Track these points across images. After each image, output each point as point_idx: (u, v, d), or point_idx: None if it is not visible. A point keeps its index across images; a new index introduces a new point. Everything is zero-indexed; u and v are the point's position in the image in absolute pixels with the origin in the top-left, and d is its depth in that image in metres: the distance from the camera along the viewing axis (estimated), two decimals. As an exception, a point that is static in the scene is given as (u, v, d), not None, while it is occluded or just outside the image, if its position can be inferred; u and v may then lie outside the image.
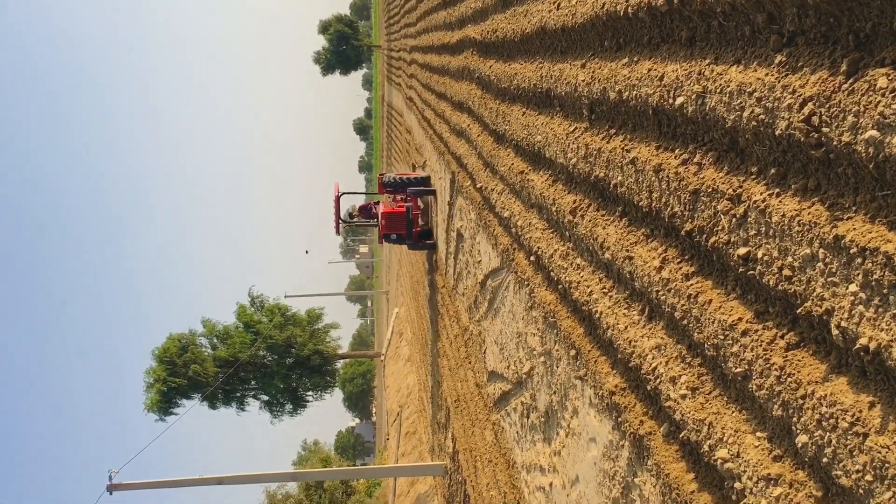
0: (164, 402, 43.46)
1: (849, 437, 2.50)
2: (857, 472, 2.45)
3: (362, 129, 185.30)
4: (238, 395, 46.82)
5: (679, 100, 3.76)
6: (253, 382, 46.58)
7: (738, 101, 3.16)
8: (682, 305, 3.86)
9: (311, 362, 46.63)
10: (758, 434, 3.20)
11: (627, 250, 4.66)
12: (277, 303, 48.86)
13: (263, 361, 46.00)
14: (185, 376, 43.36)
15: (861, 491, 2.44)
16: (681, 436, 3.89)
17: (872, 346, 2.35)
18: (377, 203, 21.91)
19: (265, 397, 47.85)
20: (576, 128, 5.71)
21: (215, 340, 46.49)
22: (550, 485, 6.92)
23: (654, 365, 4.24)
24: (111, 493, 14.73)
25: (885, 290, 2.31)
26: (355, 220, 22.53)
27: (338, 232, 22.78)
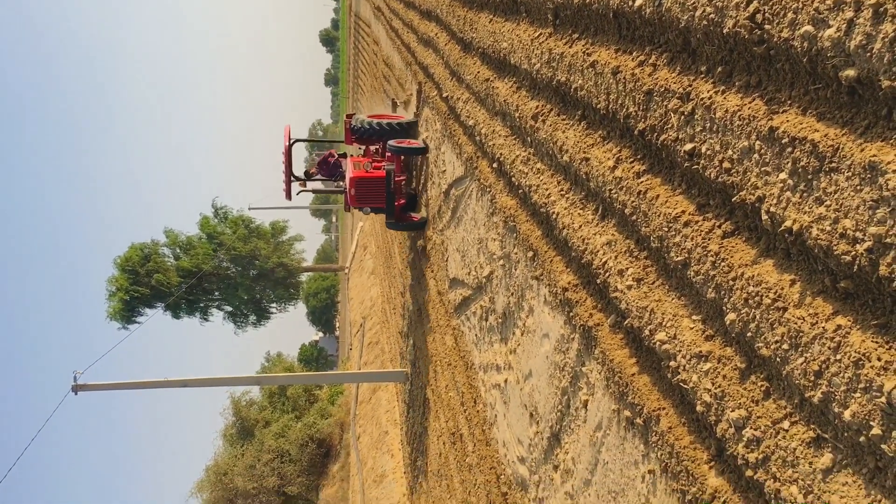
0: (127, 311, 43.55)
1: (771, 312, 2.75)
2: (776, 342, 2.71)
3: (329, 40, 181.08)
4: (202, 305, 47.05)
5: (638, 2, 3.88)
6: (216, 293, 46.77)
7: (692, 1, 3.30)
8: (632, 202, 4.07)
9: (274, 274, 46.84)
10: (693, 317, 3.46)
11: (584, 152, 4.84)
12: (241, 215, 48.68)
13: (227, 273, 46.08)
14: (147, 286, 43.36)
15: (778, 359, 2.71)
16: (625, 324, 4.16)
17: (795, 227, 2.58)
18: (344, 156, 16.56)
19: (229, 308, 48.16)
20: (540, 33, 5.80)
21: (178, 251, 46.38)
22: (505, 381, 7.26)
23: (604, 260, 4.48)
24: (76, 394, 14.96)
25: (809, 176, 2.52)
26: (314, 178, 16.79)
27: (288, 196, 16.62)
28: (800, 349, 2.57)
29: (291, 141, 16.02)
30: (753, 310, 2.86)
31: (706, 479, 3.29)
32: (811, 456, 2.55)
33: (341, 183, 15.86)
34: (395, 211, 13.45)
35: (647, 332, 3.85)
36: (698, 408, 3.32)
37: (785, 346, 2.65)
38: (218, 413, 37.87)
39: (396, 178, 13.65)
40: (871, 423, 2.21)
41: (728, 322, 3.06)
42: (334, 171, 16.36)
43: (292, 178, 16.27)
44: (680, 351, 3.48)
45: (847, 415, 2.31)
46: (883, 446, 2.18)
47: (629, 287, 4.10)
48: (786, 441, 2.68)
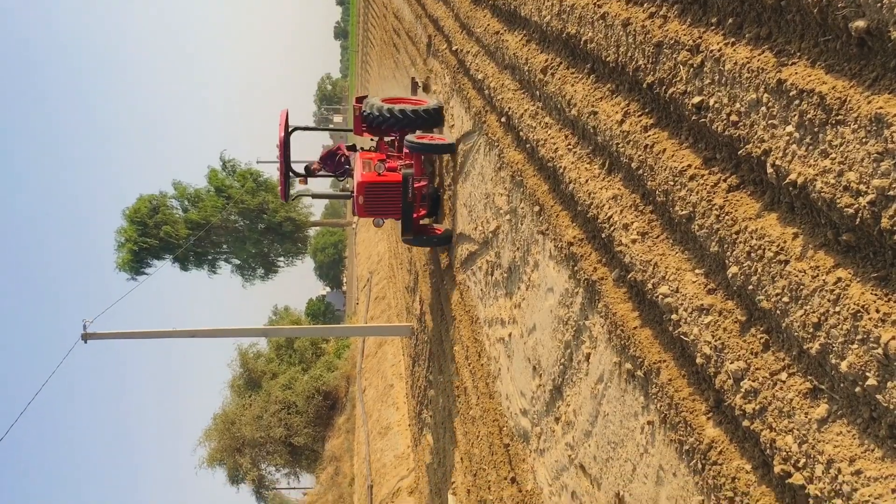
0: (136, 262, 43.83)
1: (772, 265, 2.76)
2: (777, 295, 2.73)
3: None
4: (210, 257, 47.29)
5: (650, -48, 3.83)
6: (225, 246, 46.97)
7: (704, -49, 3.26)
8: (639, 156, 4.06)
9: (282, 228, 46.97)
10: (696, 271, 3.48)
11: (593, 106, 4.82)
12: (249, 168, 48.64)
13: (235, 226, 46.24)
14: (156, 237, 43.56)
15: (778, 312, 2.73)
16: (629, 278, 4.18)
17: (800, 180, 2.58)
18: (353, 148, 13.80)
19: (237, 261, 48.40)
20: (551, -15, 5.73)
21: (186, 203, 46.48)
22: (510, 335, 7.32)
23: (609, 214, 4.48)
24: (86, 342, 15.12)
25: (815, 129, 2.51)
26: (317, 174, 13.98)
27: (284, 197, 14.30)
28: (800, 302, 2.59)
29: (290, 129, 13.06)
30: (755, 263, 2.87)
31: (704, 430, 3.34)
32: (807, 407, 2.58)
33: (348, 186, 13.45)
34: (414, 224, 11.25)
35: (650, 286, 3.87)
36: (698, 360, 3.35)
37: (785, 299, 2.67)
38: (226, 364, 38.26)
39: (416, 184, 11.18)
40: (867, 374, 2.24)
41: (730, 275, 3.08)
42: (341, 167, 13.68)
43: (290, 175, 13.44)
44: (682, 304, 3.50)
45: (844, 366, 2.34)
46: (878, 397, 2.20)
47: (634, 241, 4.11)
48: (783, 392, 2.72)
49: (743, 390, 2.96)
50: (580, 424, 5.19)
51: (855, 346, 2.29)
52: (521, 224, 6.82)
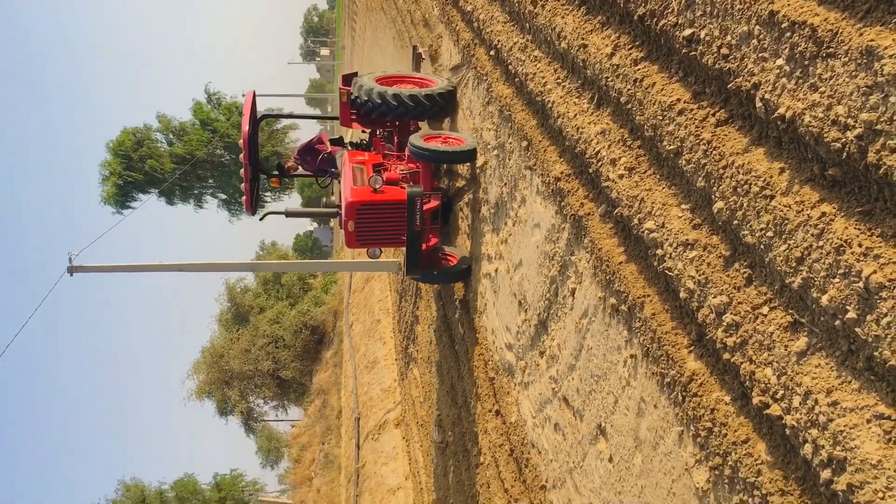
0: (121, 196, 43.52)
1: (758, 200, 2.77)
2: (761, 230, 2.74)
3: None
4: (196, 192, 46.99)
5: None
6: (211, 181, 46.64)
7: None
8: (628, 90, 4.02)
9: (269, 163, 46.56)
10: (682, 206, 3.48)
11: (583, 39, 4.74)
12: (235, 101, 47.98)
13: (221, 160, 45.81)
14: (141, 171, 43.18)
15: (762, 246, 2.74)
16: (615, 213, 4.19)
17: (788, 114, 2.56)
18: (339, 141, 10.88)
19: (223, 196, 48.10)
20: (543, -88, 5.58)
21: (171, 137, 45.95)
22: (496, 271, 7.35)
23: (597, 149, 4.46)
24: (71, 275, 15.09)
25: (806, 62, 2.49)
26: (293, 174, 10.85)
27: (251, 210, 10.49)
28: (784, 236, 2.60)
29: (258, 116, 10.36)
30: (741, 198, 2.88)
31: (685, 363, 3.39)
32: (787, 340, 2.62)
33: (333, 198, 10.22)
34: (423, 257, 8.68)
35: (636, 221, 3.88)
36: (682, 294, 3.38)
37: (770, 234, 2.68)
38: (213, 299, 38.39)
39: (426, 204, 8.53)
40: (848, 307, 2.26)
41: (716, 210, 3.08)
42: (325, 166, 10.54)
43: (259, 176, 10.39)
44: (667, 239, 3.51)
45: (825, 300, 2.36)
46: (857, 330, 2.23)
47: (621, 176, 4.10)
48: (764, 326, 2.75)
49: (724, 324, 3.00)
50: (564, 358, 5.26)
51: (837, 280, 2.31)
52: (509, 159, 6.79)
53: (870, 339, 2.18)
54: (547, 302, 5.62)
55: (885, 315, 2.11)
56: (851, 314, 2.24)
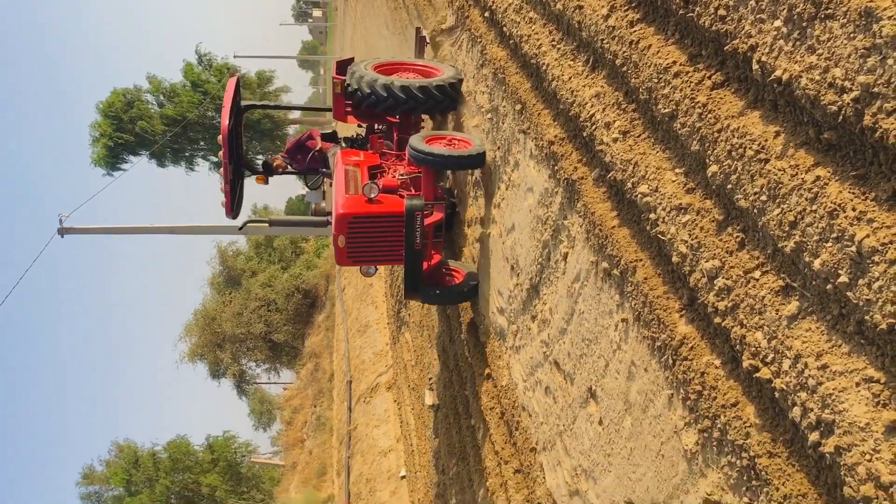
0: (112, 157, 43.19)
1: (752, 164, 2.75)
2: (755, 193, 2.73)
3: None
4: (187, 154, 46.65)
5: None
6: (202, 143, 46.28)
7: None
8: (624, 52, 3.98)
9: (260, 126, 46.24)
10: (676, 170, 3.47)
11: None
12: (226, 62, 47.46)
13: (212, 122, 45.42)
14: (131, 133, 42.82)
15: (756, 210, 2.74)
16: (608, 177, 4.17)
17: (785, 77, 2.54)
18: (332, 137, 9.88)
19: (215, 159, 47.72)
20: None
21: (162, 98, 45.50)
22: (488, 235, 7.34)
23: (591, 113, 4.43)
24: (62, 237, 15.04)
25: (804, 24, 2.46)
26: (281, 172, 9.98)
27: (230, 213, 9.46)
28: (777, 200, 2.59)
29: (243, 105, 9.52)
30: (736, 161, 2.86)
31: (676, 327, 3.40)
32: (778, 304, 2.62)
33: (324, 206, 9.28)
34: (424, 276, 7.64)
35: (629, 185, 3.86)
36: (674, 259, 3.38)
37: (763, 198, 2.67)
38: (205, 262, 38.36)
39: (429, 219, 7.47)
40: (840, 271, 2.26)
41: (710, 174, 3.07)
42: (316, 165, 9.74)
43: (243, 174, 9.79)
44: (660, 203, 3.50)
45: (817, 264, 2.36)
46: (848, 294, 2.24)
47: (615, 140, 4.07)
48: (755, 290, 2.75)
49: (716, 288, 3.00)
50: (556, 322, 5.27)
51: (829, 244, 2.31)
52: (503, 123, 6.74)
53: (861, 303, 2.19)
54: (539, 266, 5.62)
55: (877, 279, 2.11)
56: (843, 278, 2.25)
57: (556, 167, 5.11)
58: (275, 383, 42.39)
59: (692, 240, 3.22)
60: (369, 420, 17.57)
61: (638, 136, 3.87)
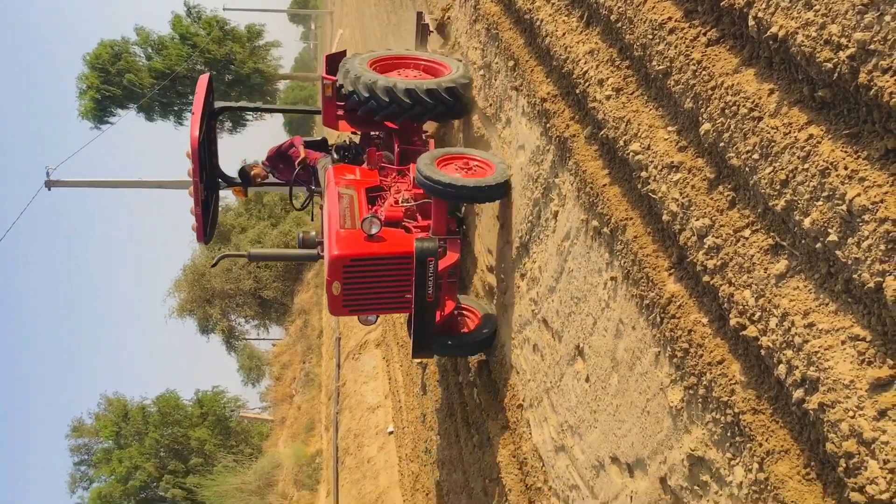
0: (99, 110, 42.70)
1: (745, 122, 2.74)
2: (747, 152, 2.72)
3: None
4: (175, 108, 46.16)
5: None
6: (191, 97, 45.76)
7: None
8: (619, 7, 3.93)
9: (250, 81, 45.74)
10: (668, 128, 3.45)
11: (574, -46, 4.61)
12: (215, 15, 46.73)
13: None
14: (119, 86, 42.29)
15: (747, 169, 2.73)
16: (601, 135, 4.14)
17: (781, 33, 2.51)
18: (322, 145, 8.62)
19: (203, 113, 47.28)
20: None
21: (150, 51, 44.86)
22: (479, 193, 7.32)
23: (585, 69, 4.38)
24: (49, 189, 14.92)
25: (802, -21, 2.43)
26: (260, 183, 8.65)
27: (202, 237, 8.20)
28: (770, 159, 2.58)
29: (216, 107, 8.29)
30: (729, 119, 2.85)
31: (665, 286, 3.41)
32: (767, 262, 2.63)
33: (313, 234, 7.66)
34: (437, 326, 6.42)
35: (621, 143, 3.84)
36: (664, 217, 3.37)
37: (755, 156, 2.67)
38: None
39: (442, 263, 6.29)
40: (829, 230, 2.27)
41: (702, 132, 3.05)
42: (304, 177, 8.27)
43: (218, 186, 8.50)
44: (652, 161, 3.49)
45: (807, 222, 2.36)
46: (837, 252, 2.24)
47: (608, 97, 4.04)
48: (744, 248, 2.76)
49: (706, 246, 3.00)
50: (545, 281, 5.29)
51: (820, 202, 2.31)
52: (495, 80, 6.68)
53: (849, 262, 2.19)
54: (529, 224, 5.61)
55: (867, 238, 2.11)
56: (833, 237, 2.25)
57: (548, 125, 5.08)
58: (264, 339, 42.54)
59: (683, 198, 3.21)
60: (358, 376, 17.69)
61: (631, 94, 3.84)
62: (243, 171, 8.50)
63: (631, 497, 3.87)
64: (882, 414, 2.06)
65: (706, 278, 3.01)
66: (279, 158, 8.46)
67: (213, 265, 8.38)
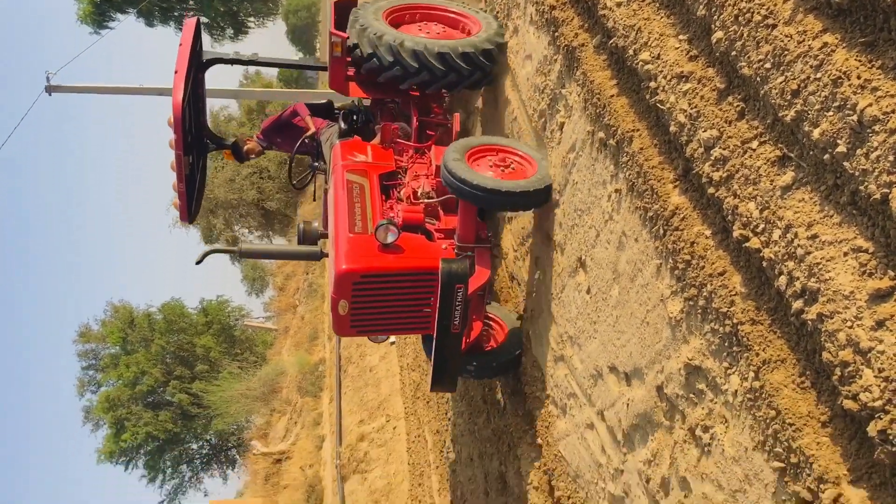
0: (98, 15, 41.81)
1: (759, 30, 2.67)
2: (759, 61, 2.67)
3: None
4: (176, 14, 45.18)
5: None
6: (191, 2, 44.78)
7: None
8: None
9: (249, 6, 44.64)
10: (679, 37, 3.37)
11: None
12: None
13: (202, -20, 43.83)
14: (118, -12, 41.33)
15: (758, 79, 2.68)
16: (610, 44, 4.06)
17: (800, -63, 2.43)
18: (327, 110, 7.48)
19: (205, 19, 46.31)
20: None
21: (149, -48, 43.61)
22: (483, 104, 7.22)
23: (596, -25, 4.27)
24: (50, 95, 14.75)
25: None
26: (253, 157, 7.79)
27: (186, 216, 6.86)
28: (781, 68, 2.53)
29: (204, 59, 7.10)
30: (742, 27, 2.78)
31: (669, 197, 3.40)
32: (773, 174, 2.61)
33: (315, 229, 6.68)
34: (464, 346, 5.50)
35: (630, 52, 3.77)
36: (672, 128, 3.34)
37: (767, 65, 2.62)
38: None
39: (473, 284, 5.27)
40: (839, 141, 2.24)
41: (714, 41, 2.99)
42: (305, 151, 7.36)
43: (206, 148, 7.46)
44: (661, 71, 3.43)
45: (816, 133, 2.34)
46: (845, 164, 2.22)
47: (618, 4, 3.94)
48: (751, 160, 2.74)
49: (712, 158, 2.98)
50: (548, 192, 5.27)
51: (830, 113, 2.28)
52: (503, -14, 6.51)
53: (857, 173, 2.18)
54: (535, 136, 5.56)
55: (875, 149, 2.09)
56: (841, 148, 2.23)
57: (556, 33, 4.97)
58: (267, 250, 42.74)
59: (691, 109, 3.17)
60: (360, 288, 17.83)
61: (642, 1, 3.74)
62: (236, 146, 7.65)
63: (627, 405, 3.96)
64: (880, 324, 2.08)
65: (711, 190, 3.00)
66: (278, 130, 7.55)
67: (198, 262, 6.55)
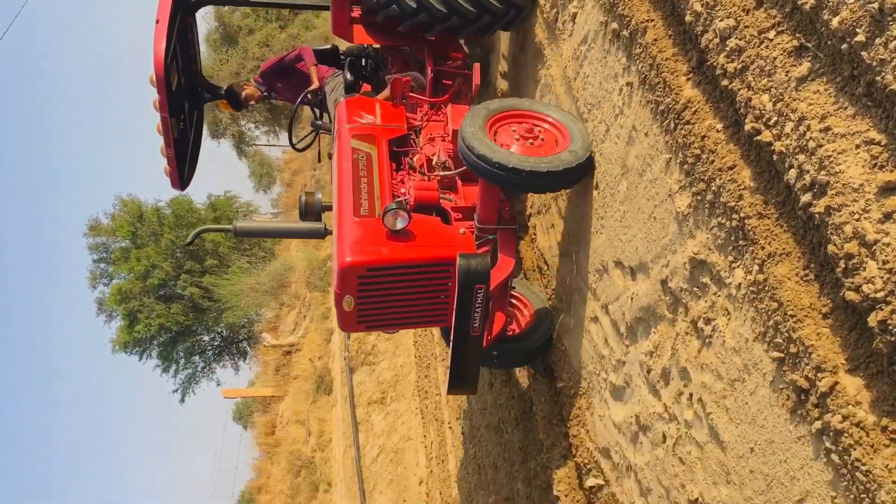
0: None
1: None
2: (781, -54, 2.57)
3: None
4: None
5: None
6: None
7: None
8: None
9: None
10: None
11: None
12: None
13: None
14: None
15: (779, -35, 2.59)
16: (627, -72, 3.91)
17: None
18: (333, 56, 6.89)
19: None
20: None
21: None
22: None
23: None
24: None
25: None
26: (253, 103, 6.98)
27: (180, 184, 6.38)
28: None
29: (189, 1, 6.26)
30: None
31: (682, 91, 3.34)
32: (789, 65, 2.56)
33: (317, 200, 5.90)
34: (491, 339, 5.01)
35: (648, -62, 3.64)
36: (687, 18, 3.25)
37: (789, -49, 2.53)
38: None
39: (495, 277, 4.68)
40: (857, 30, 2.19)
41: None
42: (309, 101, 6.65)
43: (202, 98, 6.91)
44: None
45: (835, 22, 2.28)
46: (863, 53, 2.18)
47: None
48: (767, 51, 2.68)
49: (728, 49, 2.92)
50: (557, 88, 5.19)
51: (851, 1, 2.21)
52: None
53: (874, 64, 2.13)
54: (546, 28, 5.43)
55: (895, 38, 2.04)
56: (860, 37, 2.17)
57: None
58: (274, 146, 42.54)
59: (708, -2, 3.08)
60: (368, 184, 17.81)
61: None
62: (231, 92, 6.94)
63: (631, 298, 4.01)
64: (887, 217, 2.08)
65: (725, 82, 2.95)
66: (278, 73, 6.90)
67: (188, 244, 5.96)
